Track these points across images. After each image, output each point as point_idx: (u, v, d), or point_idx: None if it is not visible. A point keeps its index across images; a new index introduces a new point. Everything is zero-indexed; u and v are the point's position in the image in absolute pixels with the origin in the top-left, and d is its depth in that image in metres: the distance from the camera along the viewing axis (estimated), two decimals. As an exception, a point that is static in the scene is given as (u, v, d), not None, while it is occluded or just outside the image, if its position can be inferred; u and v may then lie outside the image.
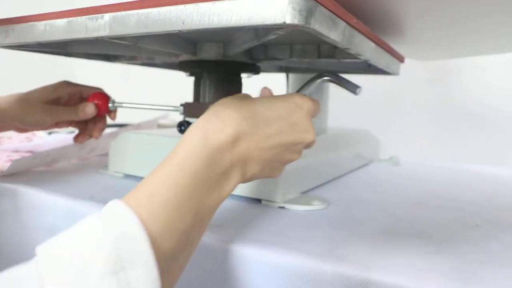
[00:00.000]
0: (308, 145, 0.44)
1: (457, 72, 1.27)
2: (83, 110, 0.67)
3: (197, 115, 0.63)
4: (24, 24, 0.50)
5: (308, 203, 0.54)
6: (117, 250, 0.26)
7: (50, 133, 1.10)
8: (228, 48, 0.59)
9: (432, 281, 0.34)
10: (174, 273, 0.32)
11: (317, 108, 0.45)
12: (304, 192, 0.60)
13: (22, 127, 0.67)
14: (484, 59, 1.18)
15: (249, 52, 0.65)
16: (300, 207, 0.53)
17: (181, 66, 0.65)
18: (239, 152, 0.37)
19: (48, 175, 0.67)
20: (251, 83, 0.81)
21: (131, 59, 0.78)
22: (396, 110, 1.34)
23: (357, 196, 0.61)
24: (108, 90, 0.71)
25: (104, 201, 0.41)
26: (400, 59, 0.70)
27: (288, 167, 0.55)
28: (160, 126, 1.09)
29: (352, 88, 0.47)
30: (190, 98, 0.70)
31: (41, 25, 0.48)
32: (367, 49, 0.48)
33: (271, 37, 0.42)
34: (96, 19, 0.41)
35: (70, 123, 0.71)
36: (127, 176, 0.67)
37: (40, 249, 0.27)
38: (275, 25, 0.32)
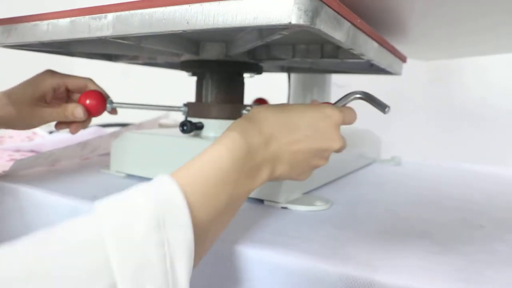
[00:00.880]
0: (338, 151, 0.48)
1: (458, 72, 1.27)
2: (72, 114, 0.62)
3: (200, 115, 0.63)
4: (26, 24, 0.50)
5: (311, 204, 0.54)
6: (162, 211, 0.30)
7: (51, 132, 1.10)
8: (231, 48, 0.58)
9: (438, 281, 0.34)
10: (205, 243, 0.35)
11: (350, 117, 0.49)
12: (307, 193, 0.60)
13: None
14: (485, 59, 1.18)
15: (251, 52, 0.64)
16: (302, 207, 0.53)
17: (184, 66, 0.65)
18: (271, 151, 0.41)
19: (50, 175, 0.67)
20: (253, 83, 0.81)
21: (133, 59, 0.78)
22: (397, 110, 1.34)
23: (360, 196, 0.61)
24: (108, 89, 0.68)
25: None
26: (403, 59, 0.70)
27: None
28: (161, 125, 1.09)
29: (382, 107, 0.50)
30: (190, 98, 0.70)
31: (43, 24, 0.48)
32: (370, 49, 0.48)
33: (276, 37, 0.42)
34: (100, 19, 0.41)
35: (60, 124, 0.66)
36: (129, 175, 0.67)
37: (98, 203, 0.30)
38: (280, 25, 0.32)
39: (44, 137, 1.03)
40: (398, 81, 1.07)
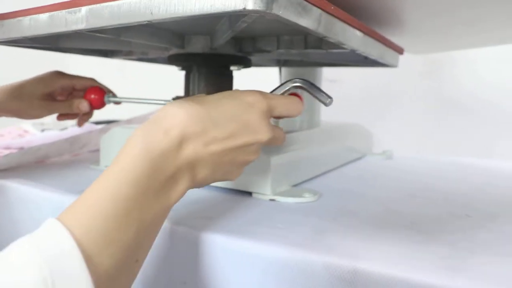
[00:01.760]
0: (268, 143, 0.42)
1: (449, 66, 1.27)
2: (77, 107, 0.70)
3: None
4: (12, 20, 0.50)
5: (299, 195, 0.54)
6: (49, 270, 0.25)
7: (43, 130, 1.09)
8: (214, 40, 0.59)
9: (420, 269, 0.34)
10: (119, 286, 0.30)
11: (285, 106, 0.43)
12: (296, 185, 0.60)
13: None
14: (475, 53, 1.18)
15: (238, 44, 0.64)
16: (290, 199, 0.53)
17: (170, 59, 0.65)
18: (185, 156, 0.35)
19: (39, 171, 0.67)
20: (246, 78, 0.81)
21: (127, 54, 0.78)
22: (389, 104, 1.34)
23: (348, 189, 0.61)
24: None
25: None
26: (398, 50, 0.70)
27: (278, 160, 0.55)
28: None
29: (323, 98, 0.46)
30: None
31: (26, 20, 0.48)
32: (351, 38, 0.48)
33: (242, 25, 0.41)
34: (75, 13, 0.42)
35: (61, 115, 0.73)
36: (118, 171, 0.67)
37: None
38: (235, 11, 0.33)
39: (35, 135, 1.03)
40: (389, 75, 1.07)
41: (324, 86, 0.91)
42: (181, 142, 0.34)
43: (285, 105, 0.43)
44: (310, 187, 0.60)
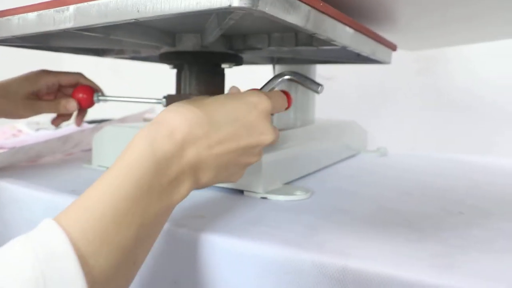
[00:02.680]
0: (271, 144, 0.42)
1: (444, 62, 1.27)
2: (65, 106, 0.69)
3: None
4: (1, 19, 0.50)
5: (291, 193, 0.53)
6: (42, 270, 0.24)
7: (37, 130, 1.09)
8: (204, 38, 0.58)
9: (411, 266, 0.34)
10: None
11: (280, 103, 0.43)
12: (288, 183, 0.60)
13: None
14: (469, 50, 1.18)
15: (229, 42, 0.64)
16: (282, 197, 0.53)
17: (162, 58, 0.65)
18: (188, 159, 0.35)
19: (31, 170, 0.67)
20: (240, 76, 0.80)
21: (119, 53, 0.77)
22: (384, 101, 1.34)
23: (341, 187, 0.61)
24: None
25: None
26: (391, 47, 0.69)
27: (270, 157, 0.55)
28: (146, 120, 1.08)
29: (314, 86, 0.46)
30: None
31: (15, 19, 0.48)
32: (342, 35, 0.47)
33: (229, 22, 0.41)
34: (63, 11, 0.42)
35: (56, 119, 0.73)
36: (111, 170, 0.67)
37: None
38: (221, 9, 0.32)
39: (30, 134, 1.02)
40: (383, 72, 1.07)
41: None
42: (184, 146, 0.34)
43: (279, 100, 0.43)
44: (303, 185, 0.60)
